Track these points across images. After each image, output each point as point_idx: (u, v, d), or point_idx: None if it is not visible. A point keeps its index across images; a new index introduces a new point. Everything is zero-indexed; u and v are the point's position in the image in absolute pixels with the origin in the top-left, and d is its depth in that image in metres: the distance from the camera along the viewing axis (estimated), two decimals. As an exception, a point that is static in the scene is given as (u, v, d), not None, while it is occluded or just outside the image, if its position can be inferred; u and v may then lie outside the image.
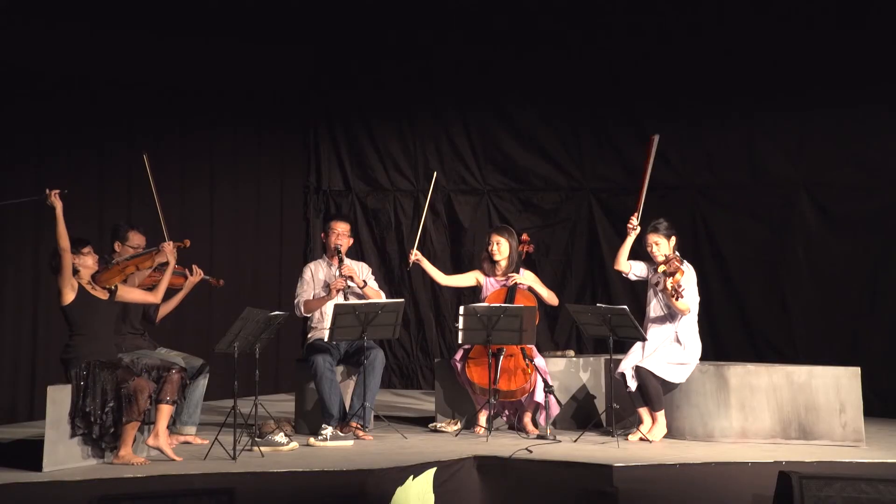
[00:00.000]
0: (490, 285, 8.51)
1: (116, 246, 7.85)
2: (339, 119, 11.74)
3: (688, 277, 7.88)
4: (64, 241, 6.81)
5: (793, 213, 10.03)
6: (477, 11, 10.95)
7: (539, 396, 8.08)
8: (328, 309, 8.18)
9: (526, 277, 8.49)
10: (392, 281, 11.48)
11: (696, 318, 7.94)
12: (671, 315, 7.93)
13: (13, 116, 9.04)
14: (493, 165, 11.28)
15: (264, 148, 11.33)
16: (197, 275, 7.89)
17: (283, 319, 7.64)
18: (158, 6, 9.81)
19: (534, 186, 11.14)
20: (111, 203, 9.68)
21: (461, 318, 8.06)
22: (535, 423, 8.23)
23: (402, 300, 8.46)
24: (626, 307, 7.88)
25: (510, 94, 11.18)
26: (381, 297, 8.39)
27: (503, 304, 8.12)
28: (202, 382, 7.89)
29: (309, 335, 8.48)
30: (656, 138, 8.11)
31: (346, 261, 8.38)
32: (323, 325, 8.27)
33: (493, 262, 8.51)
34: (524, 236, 8.67)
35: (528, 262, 8.78)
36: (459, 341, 8.16)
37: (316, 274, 8.41)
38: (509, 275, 8.41)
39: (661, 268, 7.80)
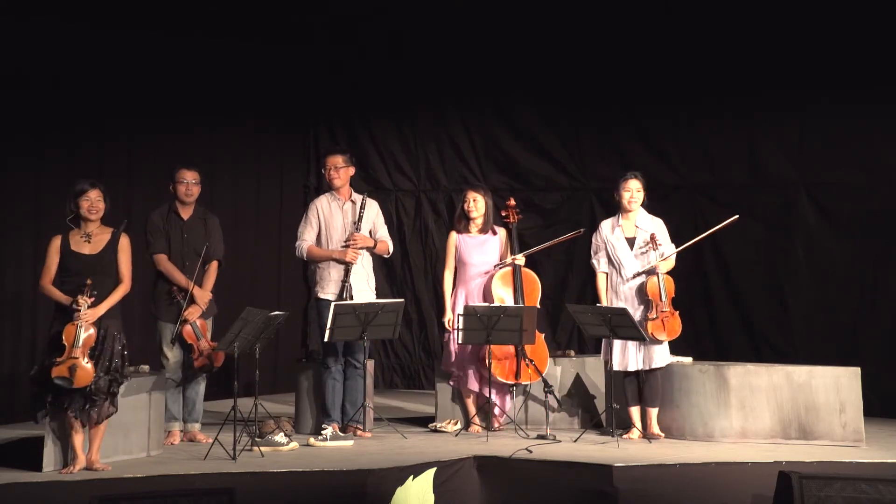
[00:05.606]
0: (465, 242, 8.49)
1: (171, 188, 8.03)
2: (340, 119, 11.74)
3: (660, 232, 8.06)
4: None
5: (793, 213, 10.02)
6: (477, 11, 10.94)
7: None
8: (334, 273, 8.14)
9: (500, 235, 8.54)
10: (393, 281, 11.48)
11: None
12: (640, 297, 7.98)
13: (13, 115, 9.03)
14: (494, 165, 11.29)
15: (264, 148, 11.33)
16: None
17: (283, 319, 7.65)
18: (158, 6, 9.81)
19: (535, 186, 11.14)
20: (111, 203, 9.65)
21: (461, 319, 8.07)
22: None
23: (402, 300, 8.46)
24: (626, 307, 7.88)
25: (510, 94, 11.18)
26: (389, 249, 8.39)
27: (503, 305, 8.15)
28: (202, 381, 7.91)
29: (315, 289, 8.36)
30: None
31: (357, 234, 8.18)
32: (327, 287, 8.20)
33: (469, 220, 8.51)
34: (510, 201, 8.70)
35: (518, 233, 8.78)
36: (459, 341, 8.17)
37: (325, 214, 8.25)
38: (513, 257, 8.40)
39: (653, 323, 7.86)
